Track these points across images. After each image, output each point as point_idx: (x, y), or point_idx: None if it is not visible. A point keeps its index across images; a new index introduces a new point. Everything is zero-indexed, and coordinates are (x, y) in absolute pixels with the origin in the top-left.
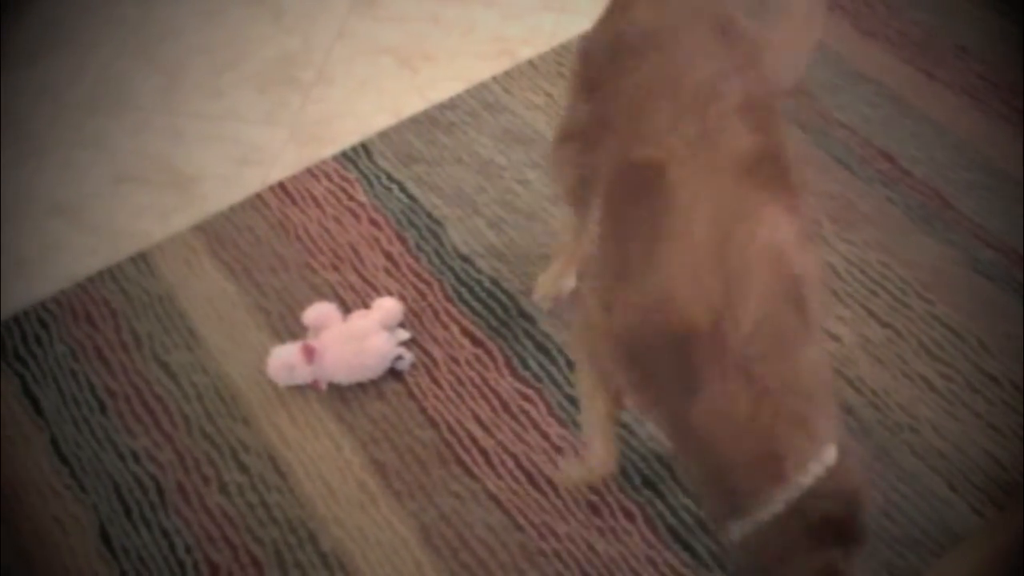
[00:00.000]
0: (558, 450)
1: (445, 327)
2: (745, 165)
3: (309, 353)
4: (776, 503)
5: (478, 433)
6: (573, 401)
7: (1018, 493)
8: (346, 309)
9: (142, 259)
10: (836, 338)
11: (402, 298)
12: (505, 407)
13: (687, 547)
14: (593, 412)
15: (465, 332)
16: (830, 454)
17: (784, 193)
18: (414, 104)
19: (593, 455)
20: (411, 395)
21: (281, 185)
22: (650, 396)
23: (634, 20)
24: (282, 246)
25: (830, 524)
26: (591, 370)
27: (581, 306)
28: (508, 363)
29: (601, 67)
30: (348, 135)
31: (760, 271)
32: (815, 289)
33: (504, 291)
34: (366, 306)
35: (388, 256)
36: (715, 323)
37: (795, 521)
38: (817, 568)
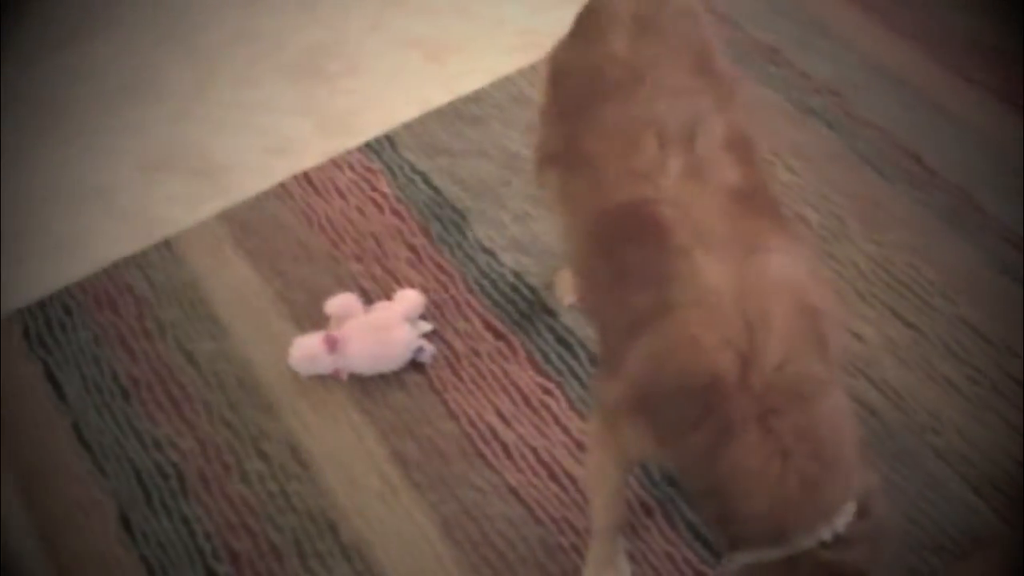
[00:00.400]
0: (578, 444)
1: (467, 320)
2: (739, 197)
3: (331, 343)
4: (776, 553)
5: (499, 426)
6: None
7: None
8: (368, 300)
9: (167, 247)
10: (861, 338)
11: (424, 290)
12: (526, 401)
13: (705, 543)
14: (603, 488)
15: (487, 325)
16: (840, 521)
17: (784, 221)
18: (440, 96)
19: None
20: (432, 387)
21: (306, 175)
22: (672, 446)
23: (613, 51)
24: (306, 236)
25: None
26: (609, 445)
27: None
28: (529, 357)
29: (577, 92)
30: (374, 126)
31: (780, 307)
32: (833, 322)
33: (527, 285)
34: (388, 297)
35: (411, 247)
36: (741, 371)
37: (790, 571)
38: None
